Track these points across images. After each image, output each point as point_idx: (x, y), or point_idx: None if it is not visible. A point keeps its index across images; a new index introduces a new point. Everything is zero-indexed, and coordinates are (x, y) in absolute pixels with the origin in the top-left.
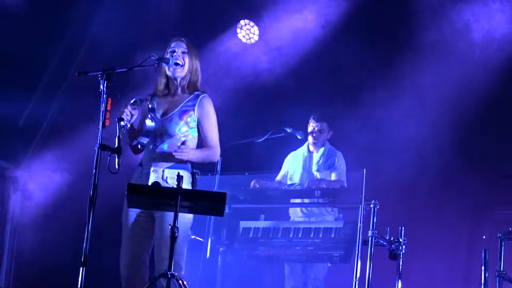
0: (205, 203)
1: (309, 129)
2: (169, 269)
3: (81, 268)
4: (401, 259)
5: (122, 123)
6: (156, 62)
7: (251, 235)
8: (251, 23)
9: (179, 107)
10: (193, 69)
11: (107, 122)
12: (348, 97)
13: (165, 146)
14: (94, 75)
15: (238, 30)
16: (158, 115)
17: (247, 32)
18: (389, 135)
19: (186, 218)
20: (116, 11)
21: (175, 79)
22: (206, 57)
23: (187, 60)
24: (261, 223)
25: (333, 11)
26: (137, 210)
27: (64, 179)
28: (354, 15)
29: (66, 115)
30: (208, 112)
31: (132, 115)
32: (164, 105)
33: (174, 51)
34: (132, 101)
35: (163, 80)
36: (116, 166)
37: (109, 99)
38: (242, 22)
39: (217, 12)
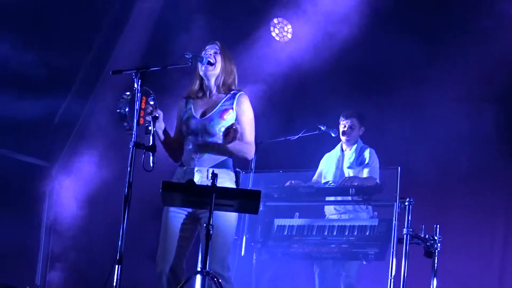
0: (240, 201)
1: (340, 128)
2: (205, 267)
3: (116, 266)
4: (436, 257)
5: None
6: (190, 60)
7: (285, 233)
8: (285, 21)
9: (218, 107)
10: (227, 70)
11: (141, 121)
12: (382, 94)
13: (206, 145)
14: (128, 73)
15: (272, 28)
16: (197, 116)
17: (280, 30)
18: (424, 131)
19: (232, 218)
20: (148, 10)
21: (208, 78)
22: (240, 56)
23: (218, 59)
24: (296, 221)
25: (366, 6)
26: (179, 211)
27: (99, 177)
28: (389, 6)
29: (101, 113)
30: (245, 109)
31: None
32: (202, 106)
33: (206, 52)
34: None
35: (197, 81)
36: (151, 164)
37: (143, 98)
38: (275, 20)
39: (250, 10)
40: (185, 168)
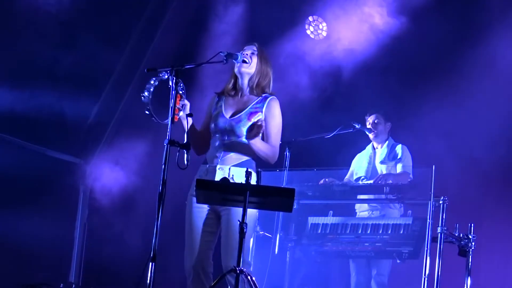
0: (274, 199)
1: (367, 125)
2: (238, 265)
3: (150, 263)
4: (470, 256)
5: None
6: (225, 58)
7: (319, 231)
8: (320, 19)
9: (247, 108)
10: (262, 72)
11: (176, 118)
12: (417, 91)
13: (231, 144)
14: (163, 71)
15: (307, 26)
16: (226, 115)
17: (315, 28)
18: (459, 128)
19: (252, 214)
20: (183, 9)
21: (242, 77)
22: (275, 54)
23: (254, 60)
24: (330, 219)
25: (401, 5)
26: (202, 206)
27: (133, 175)
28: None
29: (135, 111)
30: (274, 114)
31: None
32: (232, 105)
33: (244, 52)
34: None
35: (232, 80)
36: (185, 162)
37: (178, 96)
38: (310, 18)
39: (285, 8)
40: (207, 166)
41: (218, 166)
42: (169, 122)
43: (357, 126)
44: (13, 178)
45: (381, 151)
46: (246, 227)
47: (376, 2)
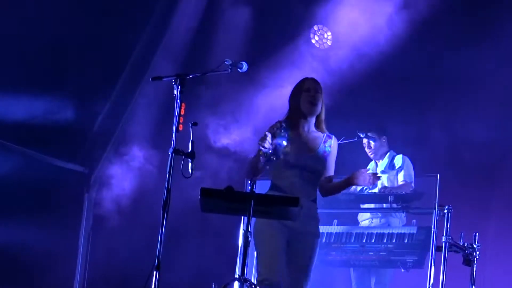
0: (278, 207)
1: (364, 146)
2: (242, 274)
3: (155, 272)
4: (475, 265)
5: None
6: (230, 67)
7: (324, 240)
8: (325, 28)
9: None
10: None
11: (181, 127)
12: (421, 101)
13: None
14: (168, 80)
15: (312, 35)
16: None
17: (320, 37)
18: (463, 138)
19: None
20: (189, 18)
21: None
22: (280, 63)
23: (320, 98)
24: (334, 228)
25: (406, 15)
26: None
27: (137, 183)
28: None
29: (140, 120)
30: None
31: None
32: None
33: (308, 90)
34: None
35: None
36: (190, 171)
37: (183, 104)
38: (315, 27)
39: (290, 17)
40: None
41: None
42: (174, 131)
43: (362, 135)
44: (17, 187)
45: (383, 162)
46: (251, 236)
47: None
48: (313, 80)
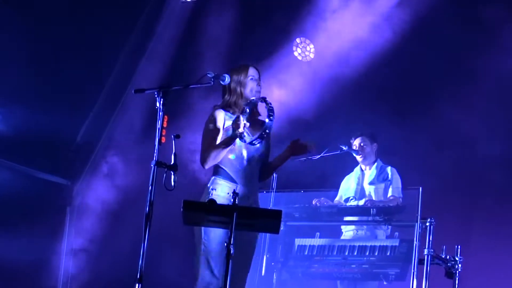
0: (261, 220)
1: (354, 148)
2: (225, 286)
3: (137, 285)
4: (457, 278)
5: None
6: (212, 79)
7: (306, 253)
8: (307, 41)
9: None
10: None
11: (163, 140)
12: (403, 113)
13: None
14: (151, 92)
15: (294, 48)
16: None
17: (303, 50)
18: (446, 151)
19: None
20: (172, 29)
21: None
22: (262, 75)
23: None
24: (317, 241)
25: (388, 25)
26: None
27: (120, 196)
28: (414, 23)
29: (123, 132)
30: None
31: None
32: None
33: (252, 78)
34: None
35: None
36: (172, 183)
37: (166, 116)
38: (298, 40)
39: (273, 30)
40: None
41: None
42: (156, 144)
43: (344, 148)
44: (0, 199)
45: (370, 172)
46: (233, 249)
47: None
48: (255, 67)
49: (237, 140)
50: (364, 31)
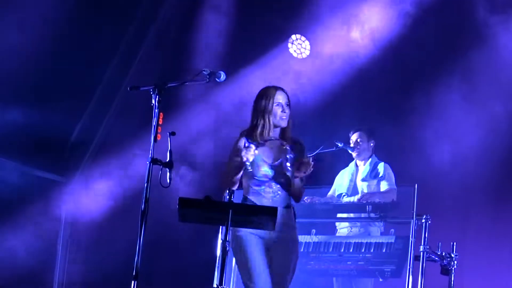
0: (257, 217)
1: (351, 144)
2: (221, 283)
3: (133, 282)
4: (452, 275)
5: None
6: (208, 77)
7: (302, 250)
8: (303, 38)
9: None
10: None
11: (159, 137)
12: (398, 110)
13: None
14: (146, 89)
15: (290, 45)
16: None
17: (298, 47)
18: (441, 147)
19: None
20: (167, 27)
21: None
22: (257, 73)
23: (287, 111)
24: (312, 238)
25: (385, 26)
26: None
27: (115, 193)
28: (408, 27)
29: (118, 129)
30: None
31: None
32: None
33: (278, 104)
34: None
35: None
36: (168, 180)
37: (161, 114)
38: (293, 36)
39: (268, 26)
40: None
41: None
42: (152, 141)
43: (339, 144)
44: None
45: (364, 168)
46: (229, 246)
47: (358, 21)
48: (284, 90)
49: None
50: (360, 28)
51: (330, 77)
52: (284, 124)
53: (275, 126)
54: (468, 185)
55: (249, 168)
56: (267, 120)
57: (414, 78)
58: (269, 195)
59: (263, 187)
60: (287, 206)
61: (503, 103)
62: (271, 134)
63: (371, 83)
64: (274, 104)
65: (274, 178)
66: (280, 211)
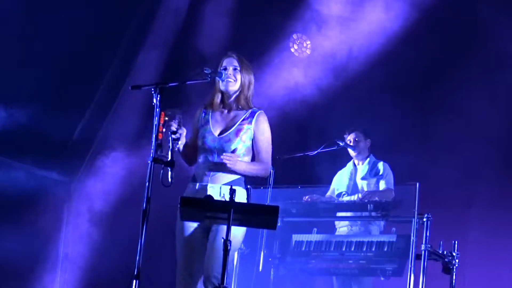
0: (258, 216)
1: (347, 143)
2: (222, 282)
3: (134, 281)
4: (454, 273)
5: (174, 136)
6: (209, 76)
7: (303, 248)
8: (304, 37)
9: (235, 125)
10: (246, 84)
11: (160, 136)
12: (399, 110)
13: (221, 163)
14: (148, 88)
15: (291, 44)
16: (215, 132)
17: (299, 45)
18: (443, 146)
19: (239, 233)
20: (168, 26)
21: (229, 94)
22: (259, 72)
23: (238, 77)
24: (314, 236)
25: (389, 24)
26: (193, 223)
27: (117, 192)
28: (414, 23)
29: (119, 129)
30: (263, 129)
31: (181, 127)
32: (220, 122)
33: (225, 68)
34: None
35: (219, 95)
36: (169, 180)
37: (162, 113)
38: (294, 35)
39: (269, 26)
40: (197, 184)
41: (209, 185)
42: (153, 140)
43: (341, 143)
44: None
45: (362, 167)
46: (230, 245)
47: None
48: (230, 56)
49: None
50: (363, 27)
51: (331, 76)
52: (231, 87)
53: (225, 94)
54: (470, 184)
55: (199, 141)
56: (215, 87)
57: (415, 77)
58: (208, 170)
59: (203, 161)
60: (233, 183)
61: (507, 102)
62: (226, 101)
63: (371, 82)
64: (221, 69)
65: (218, 152)
66: (217, 188)
